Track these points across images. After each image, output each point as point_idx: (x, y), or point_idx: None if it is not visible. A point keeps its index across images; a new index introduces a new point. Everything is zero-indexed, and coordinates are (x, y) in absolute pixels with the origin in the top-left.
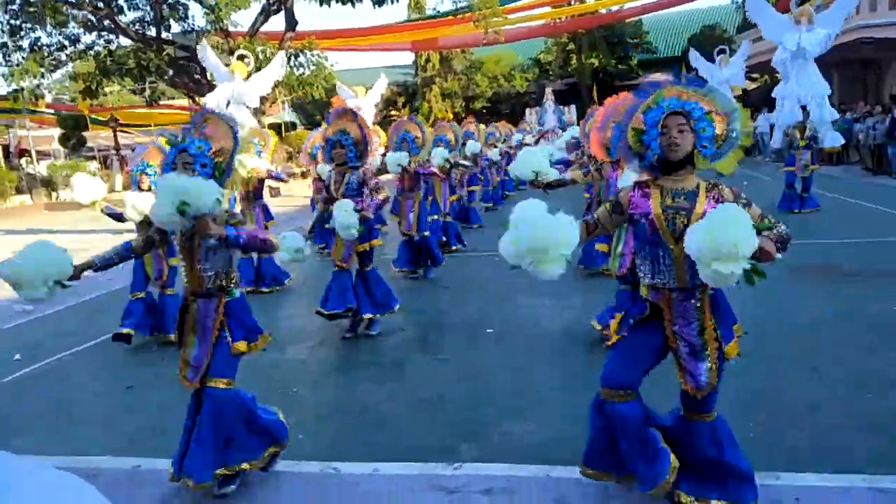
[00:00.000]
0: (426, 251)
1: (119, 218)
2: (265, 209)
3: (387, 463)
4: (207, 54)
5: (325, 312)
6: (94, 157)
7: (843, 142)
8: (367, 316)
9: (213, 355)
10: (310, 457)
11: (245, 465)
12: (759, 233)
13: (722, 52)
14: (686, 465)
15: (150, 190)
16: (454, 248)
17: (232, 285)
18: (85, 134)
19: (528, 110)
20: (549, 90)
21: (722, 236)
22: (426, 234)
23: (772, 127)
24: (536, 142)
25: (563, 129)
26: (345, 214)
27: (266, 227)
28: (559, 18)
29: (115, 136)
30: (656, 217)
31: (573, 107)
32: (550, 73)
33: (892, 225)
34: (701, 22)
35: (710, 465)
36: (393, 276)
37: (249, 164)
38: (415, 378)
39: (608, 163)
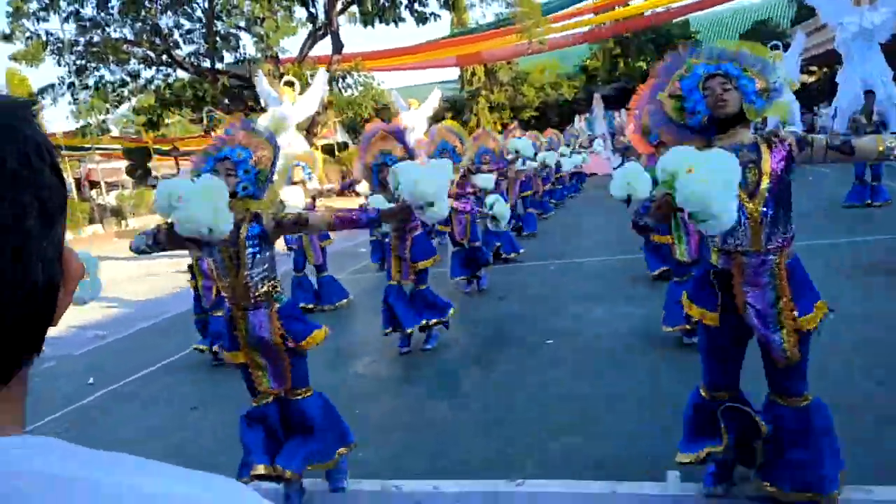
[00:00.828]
0: (477, 261)
1: None
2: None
3: (448, 480)
4: (262, 82)
5: (408, 331)
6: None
7: None
8: (423, 323)
9: (289, 368)
10: (371, 475)
11: (320, 466)
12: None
13: (775, 47)
14: (774, 454)
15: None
16: (510, 255)
17: (278, 292)
18: (149, 164)
19: (577, 117)
20: (597, 96)
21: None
22: (476, 244)
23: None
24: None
25: (615, 134)
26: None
27: (322, 247)
28: (603, 24)
29: (178, 164)
30: None
31: (624, 111)
32: (598, 78)
33: None
34: (752, 18)
35: (796, 456)
36: (449, 292)
37: (288, 196)
38: (473, 392)
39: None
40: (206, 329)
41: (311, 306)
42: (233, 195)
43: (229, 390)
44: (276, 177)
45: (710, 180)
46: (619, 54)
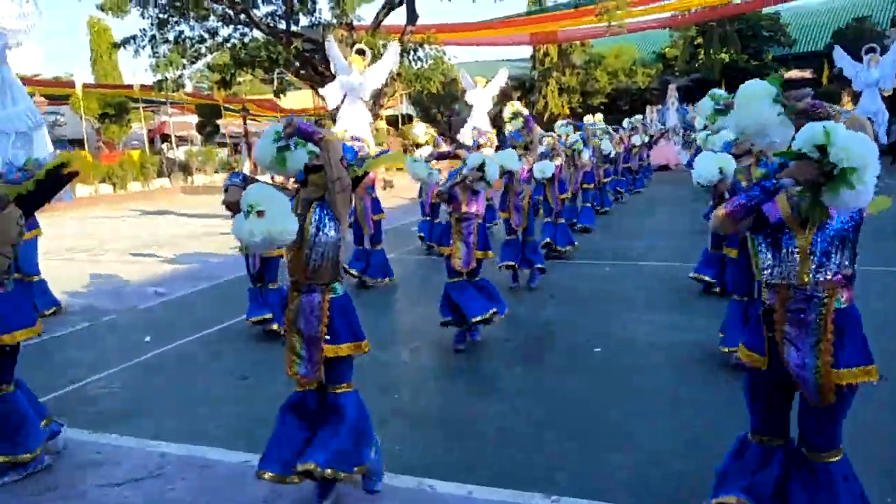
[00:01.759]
0: (529, 258)
1: None
2: (374, 202)
3: (483, 487)
4: (333, 48)
5: (479, 318)
6: (225, 144)
7: None
8: (492, 311)
9: (328, 361)
10: (406, 470)
11: (339, 474)
12: None
13: (871, 50)
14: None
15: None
16: (563, 249)
17: (337, 281)
18: (218, 122)
19: (648, 107)
20: (672, 87)
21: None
22: (531, 238)
23: None
24: (656, 141)
25: (686, 129)
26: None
27: (374, 220)
28: (688, 10)
29: (245, 123)
30: (779, 198)
31: (699, 105)
32: (675, 68)
33: None
34: (848, 13)
35: None
36: (498, 283)
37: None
38: (515, 394)
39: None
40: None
41: (355, 273)
42: (319, 168)
43: (281, 362)
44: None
45: (868, 145)
46: (701, 44)
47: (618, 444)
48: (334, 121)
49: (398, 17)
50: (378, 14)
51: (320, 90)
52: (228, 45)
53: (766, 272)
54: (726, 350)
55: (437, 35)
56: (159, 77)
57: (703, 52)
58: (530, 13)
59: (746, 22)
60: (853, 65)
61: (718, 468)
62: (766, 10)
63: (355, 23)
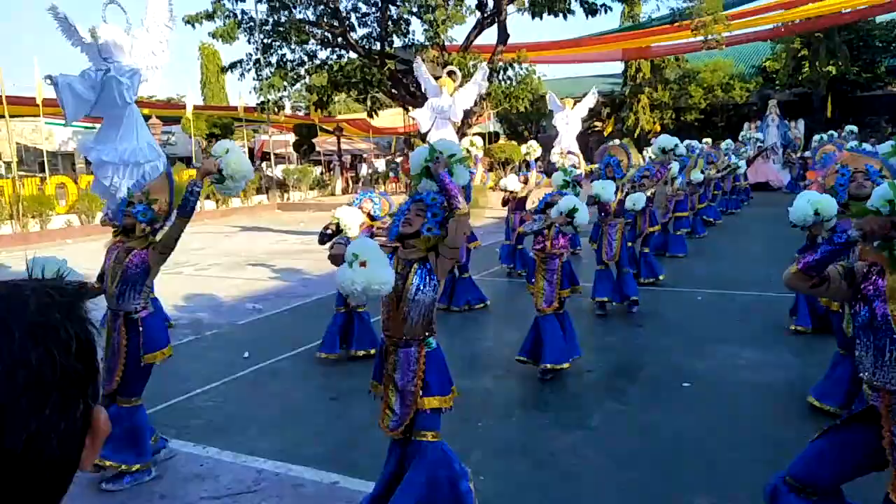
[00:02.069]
0: (623, 290)
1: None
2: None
3: None
4: (422, 70)
5: (549, 367)
6: (319, 162)
7: None
8: (564, 366)
9: (416, 411)
10: (486, 501)
11: None
12: None
13: None
14: None
15: (368, 214)
16: (648, 280)
17: (430, 335)
18: (314, 140)
19: (746, 124)
20: (773, 102)
21: None
22: (626, 270)
23: None
24: (755, 158)
25: (786, 147)
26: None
27: (468, 250)
28: (791, 21)
29: (339, 142)
30: (891, 298)
31: (801, 122)
32: (777, 82)
33: None
34: None
35: None
36: (584, 309)
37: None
38: (601, 429)
39: None
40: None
41: (443, 307)
42: (417, 234)
43: (366, 382)
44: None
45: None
46: (806, 56)
47: (706, 488)
48: (424, 141)
49: (489, 36)
50: (469, 34)
51: (411, 112)
52: (326, 67)
53: (867, 373)
54: (817, 403)
55: (527, 53)
56: (262, 99)
57: (807, 64)
58: (623, 29)
59: (857, 32)
60: None
61: None
62: (880, 19)
63: (447, 43)
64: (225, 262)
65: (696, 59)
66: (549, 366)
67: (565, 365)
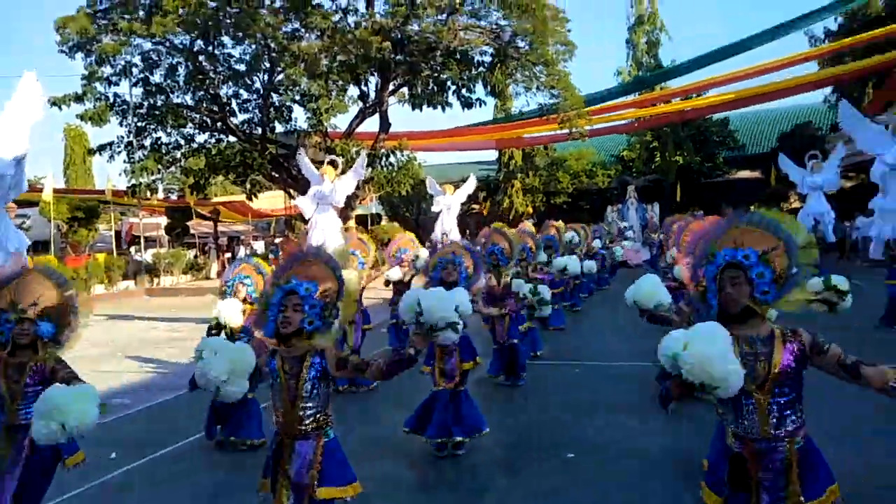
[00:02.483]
0: (515, 360)
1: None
2: (364, 313)
3: None
4: (304, 159)
5: (427, 440)
6: (194, 244)
7: None
8: (458, 439)
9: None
10: None
11: None
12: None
13: (814, 157)
14: None
15: (245, 300)
16: (539, 353)
17: (328, 425)
18: (188, 223)
19: (609, 207)
20: (631, 187)
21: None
22: (514, 342)
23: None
24: (611, 241)
25: (645, 226)
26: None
27: (363, 332)
28: (643, 118)
29: (216, 225)
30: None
31: (657, 205)
32: (634, 169)
33: None
34: (791, 119)
35: None
36: (478, 386)
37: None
38: None
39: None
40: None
41: (341, 388)
42: (298, 332)
43: (251, 480)
44: (341, 310)
45: (704, 352)
46: (657, 147)
47: None
48: (305, 224)
49: (372, 124)
50: (352, 122)
51: (294, 200)
52: (203, 150)
53: (731, 425)
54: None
55: (408, 142)
56: (133, 182)
57: (658, 154)
58: (496, 121)
59: (698, 128)
60: (798, 170)
61: None
62: (715, 116)
63: (330, 130)
64: (89, 353)
65: (563, 148)
66: (427, 439)
67: (459, 439)
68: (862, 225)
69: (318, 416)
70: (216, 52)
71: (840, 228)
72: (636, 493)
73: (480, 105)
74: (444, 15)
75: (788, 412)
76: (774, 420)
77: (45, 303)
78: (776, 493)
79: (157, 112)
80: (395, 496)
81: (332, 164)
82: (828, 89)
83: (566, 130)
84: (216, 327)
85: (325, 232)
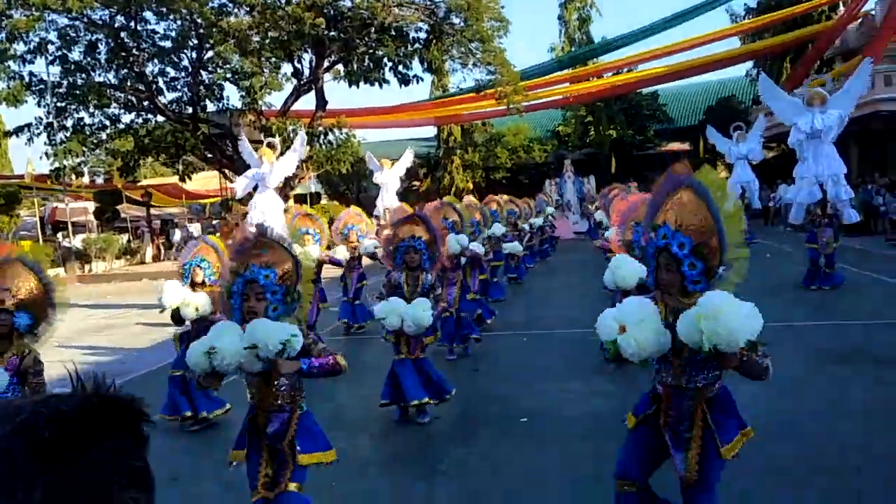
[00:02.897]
0: (463, 329)
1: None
2: (321, 292)
3: None
4: (245, 142)
5: (414, 403)
6: (126, 229)
7: (859, 218)
8: (425, 400)
9: (290, 472)
10: None
11: None
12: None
13: (738, 128)
14: None
15: (203, 283)
16: (488, 321)
17: (302, 398)
18: (118, 207)
19: (547, 181)
20: (567, 161)
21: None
22: (463, 314)
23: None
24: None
25: (583, 199)
26: (423, 313)
27: (319, 309)
28: (576, 92)
29: (148, 209)
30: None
31: (592, 177)
32: (569, 144)
33: None
34: (716, 93)
35: None
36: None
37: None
38: (452, 472)
39: None
40: (187, 388)
41: None
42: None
43: (211, 462)
44: (300, 289)
45: (639, 337)
46: (591, 122)
47: None
48: (241, 204)
49: (309, 101)
50: (287, 100)
51: (231, 182)
52: (131, 131)
53: (657, 373)
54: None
55: (346, 119)
56: (57, 165)
57: (593, 129)
58: (434, 98)
59: (629, 102)
60: (724, 141)
61: None
62: (646, 91)
63: (264, 108)
64: None
65: (501, 123)
66: (414, 402)
67: (426, 400)
68: (784, 192)
69: (291, 391)
70: (139, 28)
71: (764, 196)
72: (589, 452)
73: (417, 81)
74: None
75: (701, 371)
76: (687, 377)
77: (23, 293)
78: (679, 434)
79: (77, 91)
80: (350, 471)
81: (270, 145)
82: (749, 64)
83: (503, 106)
84: (176, 313)
85: (266, 213)
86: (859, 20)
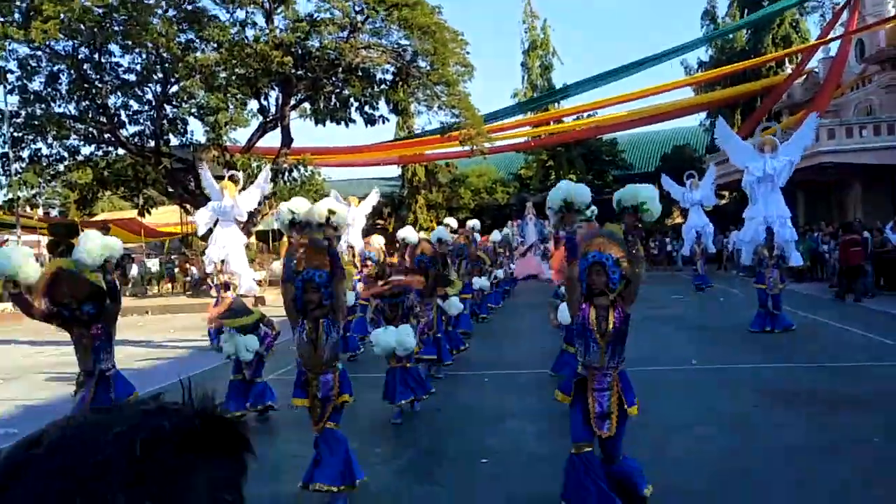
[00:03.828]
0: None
1: None
2: None
3: None
4: (207, 175)
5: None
6: None
7: (803, 262)
8: (416, 397)
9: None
10: None
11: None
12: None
13: (691, 175)
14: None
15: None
16: (462, 348)
17: (338, 361)
18: (73, 241)
19: (509, 222)
20: (529, 204)
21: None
22: (439, 335)
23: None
24: (524, 253)
25: (544, 241)
26: (408, 338)
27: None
28: (538, 136)
29: None
30: (591, 320)
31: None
32: (531, 186)
33: (859, 348)
34: (672, 141)
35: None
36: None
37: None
38: None
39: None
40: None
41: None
42: (321, 305)
43: None
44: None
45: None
46: (552, 166)
47: None
48: (202, 239)
49: (273, 138)
50: (252, 136)
51: (192, 215)
52: (90, 163)
53: (582, 357)
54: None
55: (311, 157)
56: (10, 196)
57: (553, 172)
58: (399, 139)
59: (589, 147)
60: (678, 188)
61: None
62: (605, 137)
63: (229, 144)
64: None
65: (465, 165)
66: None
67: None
68: (735, 237)
69: (332, 356)
70: (103, 60)
71: (717, 240)
72: (550, 493)
73: (383, 122)
74: (346, 32)
75: (616, 352)
76: (607, 356)
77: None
78: (603, 400)
79: (36, 122)
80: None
81: (233, 179)
82: (703, 115)
83: (468, 147)
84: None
85: (227, 248)
86: (804, 76)
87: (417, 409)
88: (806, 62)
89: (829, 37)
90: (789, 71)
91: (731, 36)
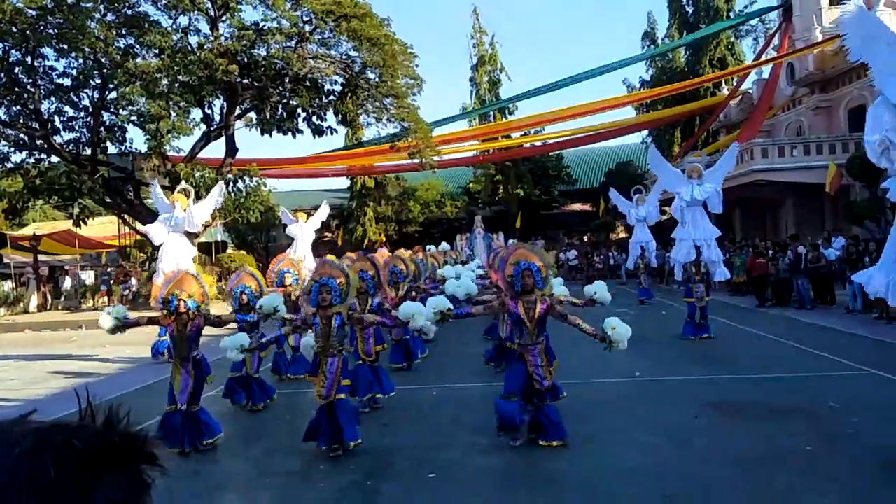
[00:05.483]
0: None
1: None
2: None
3: None
4: (156, 187)
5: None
6: (9, 276)
7: (729, 276)
8: (378, 395)
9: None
10: None
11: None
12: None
13: (638, 191)
14: (539, 427)
15: (247, 304)
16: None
17: (344, 349)
18: (1, 252)
19: (458, 236)
20: (478, 217)
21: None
22: (407, 337)
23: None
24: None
25: (494, 255)
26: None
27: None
28: (487, 151)
29: (35, 255)
30: (522, 311)
31: (501, 233)
32: (480, 200)
33: (791, 359)
34: (616, 157)
35: (550, 426)
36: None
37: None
38: None
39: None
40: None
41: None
42: (331, 304)
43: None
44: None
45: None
46: (500, 180)
47: None
48: (156, 250)
49: (217, 147)
50: (195, 145)
51: (143, 228)
52: (21, 171)
53: (517, 339)
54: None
55: (257, 167)
56: None
57: (502, 187)
58: (348, 147)
59: (536, 163)
60: (626, 203)
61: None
62: (552, 154)
63: (171, 153)
64: None
65: (414, 178)
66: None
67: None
68: (674, 254)
69: (339, 345)
70: (35, 63)
71: (660, 256)
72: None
73: (332, 133)
74: (294, 42)
75: (542, 331)
76: (535, 334)
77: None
78: (537, 366)
79: None
80: None
81: (184, 192)
82: (645, 132)
83: (417, 160)
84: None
85: (178, 258)
86: (739, 97)
87: (367, 409)
88: (741, 84)
89: (762, 59)
90: (726, 92)
91: (670, 56)
